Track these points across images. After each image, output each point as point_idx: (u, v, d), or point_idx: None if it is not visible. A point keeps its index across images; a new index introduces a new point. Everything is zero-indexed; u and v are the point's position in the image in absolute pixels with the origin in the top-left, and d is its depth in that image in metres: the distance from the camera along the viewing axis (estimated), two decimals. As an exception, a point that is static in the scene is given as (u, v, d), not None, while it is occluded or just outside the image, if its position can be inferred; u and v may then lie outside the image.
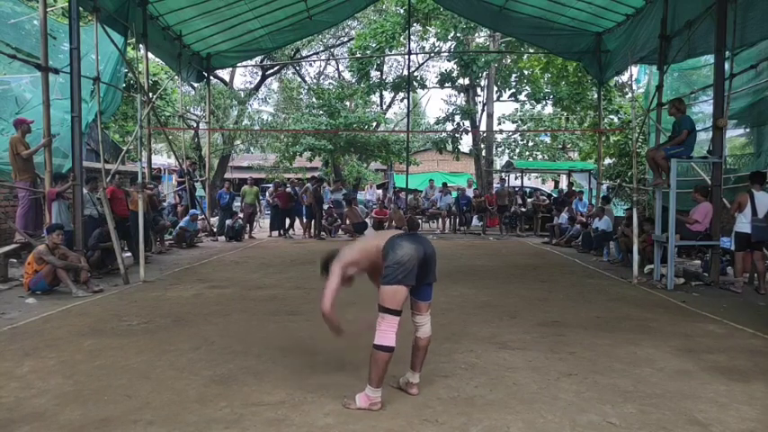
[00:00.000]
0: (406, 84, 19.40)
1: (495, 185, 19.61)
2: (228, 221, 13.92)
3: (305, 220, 14.85)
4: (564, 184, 22.69)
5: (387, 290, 3.27)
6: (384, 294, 3.28)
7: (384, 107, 28.33)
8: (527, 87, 21.06)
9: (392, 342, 3.28)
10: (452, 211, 16.34)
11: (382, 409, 3.32)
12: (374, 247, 3.41)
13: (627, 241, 9.25)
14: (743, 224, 7.34)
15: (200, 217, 13.40)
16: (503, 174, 20.95)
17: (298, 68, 28.82)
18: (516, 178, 20.56)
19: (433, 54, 23.58)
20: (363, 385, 3.39)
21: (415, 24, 20.28)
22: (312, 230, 14.70)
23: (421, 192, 18.91)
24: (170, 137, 14.82)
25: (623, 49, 12.30)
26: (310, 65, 30.23)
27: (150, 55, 12.76)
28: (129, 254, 9.53)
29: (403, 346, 3.51)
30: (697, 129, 8.40)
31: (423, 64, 26.20)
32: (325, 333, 3.65)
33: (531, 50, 19.40)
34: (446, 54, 21.59)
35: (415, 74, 22.25)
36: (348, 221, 14.85)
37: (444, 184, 17.58)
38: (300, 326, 5.35)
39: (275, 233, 14.97)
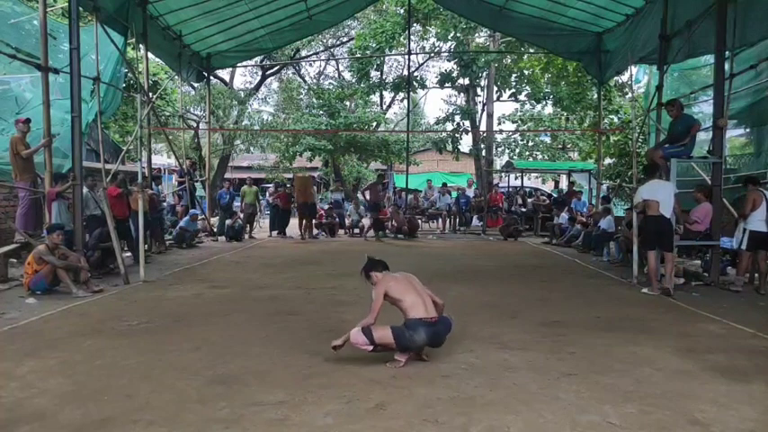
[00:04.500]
0: (406, 84, 19.41)
1: (500, 186, 19.54)
2: (228, 221, 13.92)
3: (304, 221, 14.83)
4: (564, 184, 22.68)
5: (385, 334, 4.00)
6: (381, 335, 3.99)
7: (384, 107, 28.34)
8: (527, 87, 21.05)
9: (370, 348, 4.04)
10: (452, 212, 16.34)
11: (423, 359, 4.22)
12: (402, 309, 4.16)
13: (627, 241, 9.24)
14: (759, 222, 7.26)
15: (200, 217, 13.39)
16: (502, 173, 20.90)
17: (298, 68, 28.83)
18: (516, 178, 20.55)
19: (433, 54, 23.58)
20: (362, 384, 3.66)
21: (415, 24, 20.27)
22: (305, 231, 14.59)
23: (420, 192, 18.92)
24: (170, 137, 14.82)
25: (623, 49, 12.29)
26: (310, 65, 30.29)
27: (150, 55, 12.76)
28: (128, 254, 9.52)
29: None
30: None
31: (423, 64, 26.23)
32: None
33: (531, 50, 19.39)
34: (446, 54, 21.60)
35: (415, 74, 22.27)
36: (370, 198, 14.78)
37: (444, 185, 17.58)
38: (300, 326, 5.36)
39: (275, 233, 14.97)
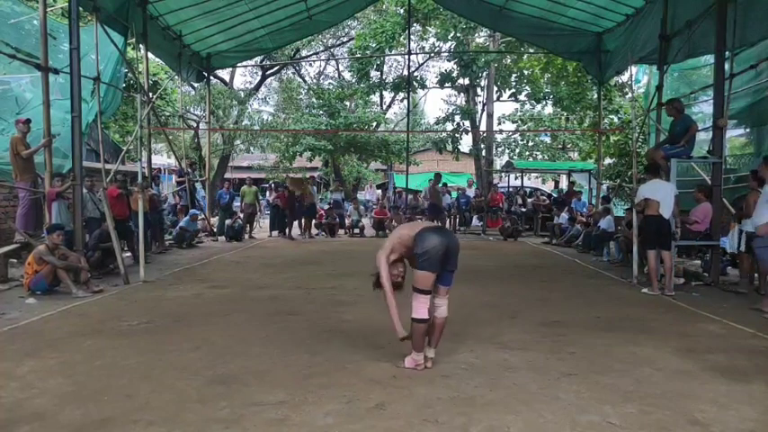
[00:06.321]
0: (406, 84, 19.40)
1: (500, 186, 19.54)
2: (228, 221, 13.92)
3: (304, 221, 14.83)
4: (564, 184, 22.68)
5: (417, 274, 3.88)
6: (416, 278, 3.89)
7: (384, 107, 28.33)
8: (527, 87, 21.04)
9: (426, 315, 3.92)
10: (453, 212, 16.31)
11: (426, 368, 4.01)
12: (407, 236, 3.99)
13: (627, 241, 9.24)
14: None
15: (200, 217, 13.39)
16: (502, 173, 20.85)
17: (298, 68, 28.82)
18: (516, 178, 20.55)
19: (433, 54, 23.57)
20: (362, 384, 3.59)
21: (415, 24, 20.27)
22: (305, 231, 14.60)
23: (421, 192, 18.91)
24: (170, 137, 14.82)
25: (623, 49, 12.28)
26: (310, 65, 30.27)
27: (150, 55, 12.76)
28: (128, 254, 9.52)
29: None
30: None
31: (423, 64, 26.22)
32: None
33: (531, 50, 19.39)
34: (446, 54, 21.59)
35: (415, 74, 22.26)
36: (431, 199, 15.08)
37: (444, 185, 17.57)
38: (300, 326, 5.36)
39: (275, 233, 14.97)
